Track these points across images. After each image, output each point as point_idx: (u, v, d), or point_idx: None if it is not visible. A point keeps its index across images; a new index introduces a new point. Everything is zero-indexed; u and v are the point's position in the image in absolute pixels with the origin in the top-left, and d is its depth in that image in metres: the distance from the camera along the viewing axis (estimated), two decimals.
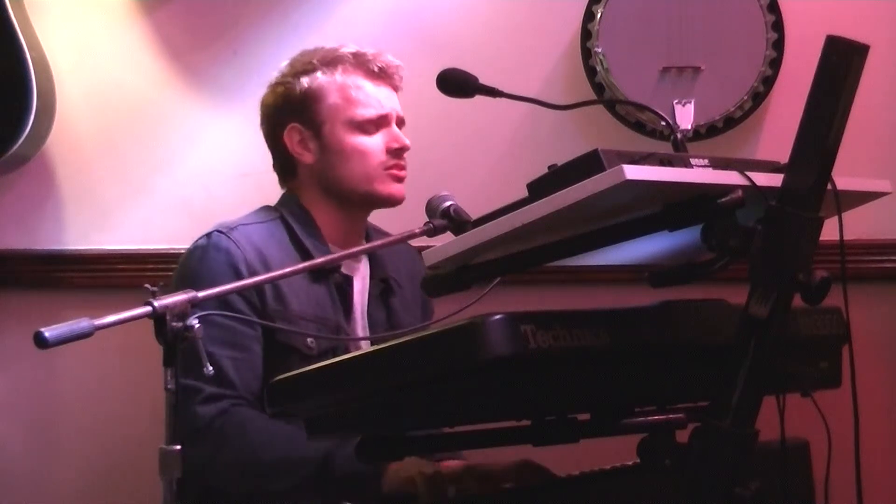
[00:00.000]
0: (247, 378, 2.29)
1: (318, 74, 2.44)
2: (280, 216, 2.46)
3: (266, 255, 2.36)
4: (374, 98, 2.44)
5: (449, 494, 2.00)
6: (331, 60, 2.45)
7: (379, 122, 2.44)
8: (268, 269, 2.32)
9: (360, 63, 2.45)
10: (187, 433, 2.03)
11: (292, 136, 2.45)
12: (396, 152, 2.44)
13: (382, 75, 2.46)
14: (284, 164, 2.50)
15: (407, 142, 2.45)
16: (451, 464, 2.17)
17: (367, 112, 2.42)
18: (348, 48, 2.47)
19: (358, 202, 2.46)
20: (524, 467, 2.07)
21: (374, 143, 2.43)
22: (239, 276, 2.29)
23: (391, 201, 2.46)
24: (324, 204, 2.47)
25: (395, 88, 2.49)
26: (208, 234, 2.39)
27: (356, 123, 2.42)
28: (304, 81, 2.44)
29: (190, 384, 2.12)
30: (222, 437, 2.23)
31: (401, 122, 2.48)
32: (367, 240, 2.52)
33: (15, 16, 2.84)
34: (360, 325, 2.46)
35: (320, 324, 2.37)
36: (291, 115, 2.45)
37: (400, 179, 2.45)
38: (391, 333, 2.38)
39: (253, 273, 2.30)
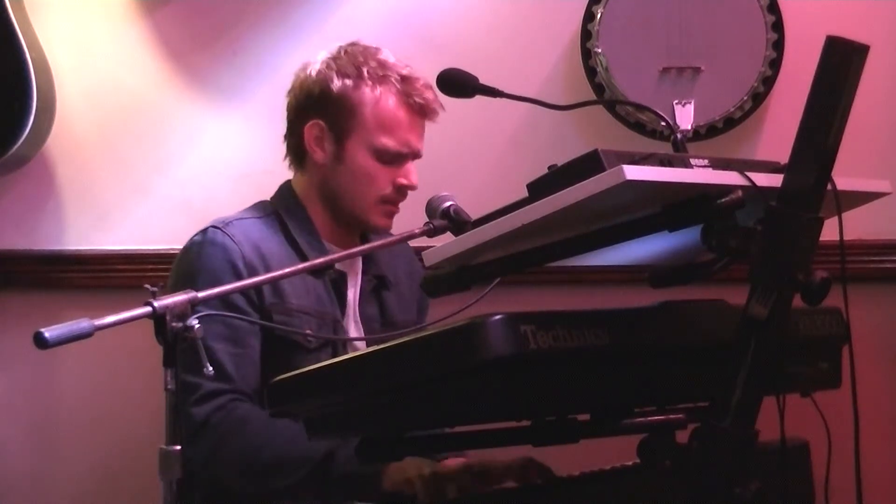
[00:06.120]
0: (245, 373, 2.30)
1: (362, 84, 2.41)
2: (275, 212, 2.47)
3: (263, 250, 2.37)
4: (403, 134, 2.42)
5: (448, 494, 2.00)
6: (380, 76, 2.41)
7: (398, 157, 2.43)
8: (265, 264, 2.33)
9: (405, 92, 2.41)
10: (185, 433, 2.03)
11: (312, 130, 2.44)
12: (401, 189, 2.44)
13: (421, 112, 2.44)
14: (297, 151, 2.49)
15: (416, 182, 2.44)
16: (452, 461, 2.17)
17: (391, 144, 2.41)
18: (401, 69, 2.43)
19: (346, 218, 2.47)
20: (526, 466, 2.07)
21: (384, 174, 2.42)
22: (236, 272, 2.30)
23: (377, 231, 2.49)
24: (320, 204, 2.48)
25: (429, 120, 2.47)
26: (204, 231, 2.40)
27: (376, 149, 2.41)
28: (348, 84, 2.41)
29: (189, 380, 2.13)
30: (221, 433, 2.24)
31: (417, 156, 2.47)
32: (363, 238, 2.53)
33: (15, 16, 2.84)
34: (353, 321, 2.47)
35: (319, 317, 2.39)
36: (320, 109, 2.43)
37: (391, 215, 2.46)
38: (387, 335, 2.37)
39: (251, 268, 2.32)
